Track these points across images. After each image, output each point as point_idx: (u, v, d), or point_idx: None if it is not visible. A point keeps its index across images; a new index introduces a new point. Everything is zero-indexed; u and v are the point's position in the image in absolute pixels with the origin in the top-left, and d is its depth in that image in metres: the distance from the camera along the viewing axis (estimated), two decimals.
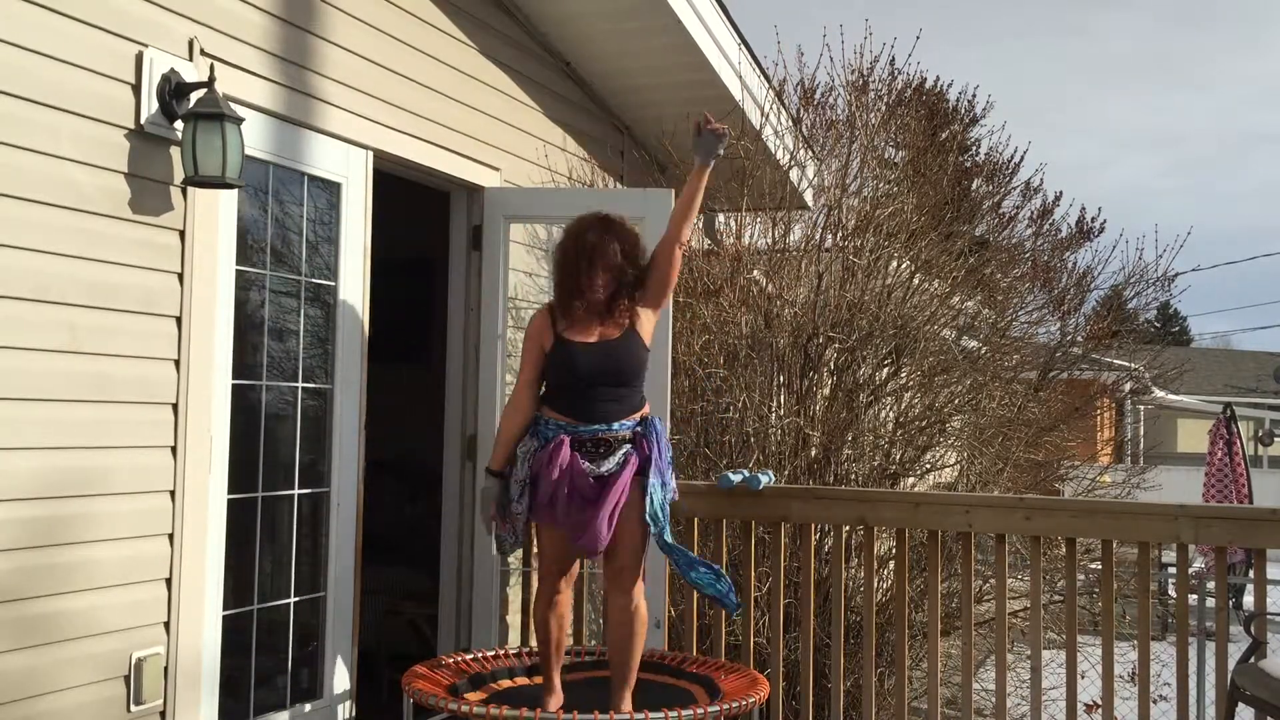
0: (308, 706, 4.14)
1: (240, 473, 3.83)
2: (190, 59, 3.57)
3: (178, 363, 3.55)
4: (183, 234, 3.57)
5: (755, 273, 5.92)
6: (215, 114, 3.40)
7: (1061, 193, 9.47)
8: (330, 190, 4.25)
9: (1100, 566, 4.31)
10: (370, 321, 4.40)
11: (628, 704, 3.82)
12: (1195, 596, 7.03)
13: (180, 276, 3.56)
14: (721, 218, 6.25)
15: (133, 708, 3.41)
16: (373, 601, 4.80)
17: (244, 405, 3.83)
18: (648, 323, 3.95)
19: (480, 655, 4.26)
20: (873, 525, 4.48)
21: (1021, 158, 10.19)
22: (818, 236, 6.00)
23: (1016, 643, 6.00)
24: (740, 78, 5.72)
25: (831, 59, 12.84)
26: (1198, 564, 8.17)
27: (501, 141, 5.10)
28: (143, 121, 3.41)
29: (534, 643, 4.85)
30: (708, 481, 4.75)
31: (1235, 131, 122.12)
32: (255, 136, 3.78)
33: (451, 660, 4.19)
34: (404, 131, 4.50)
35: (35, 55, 3.13)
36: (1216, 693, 4.06)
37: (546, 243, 5.16)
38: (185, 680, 3.57)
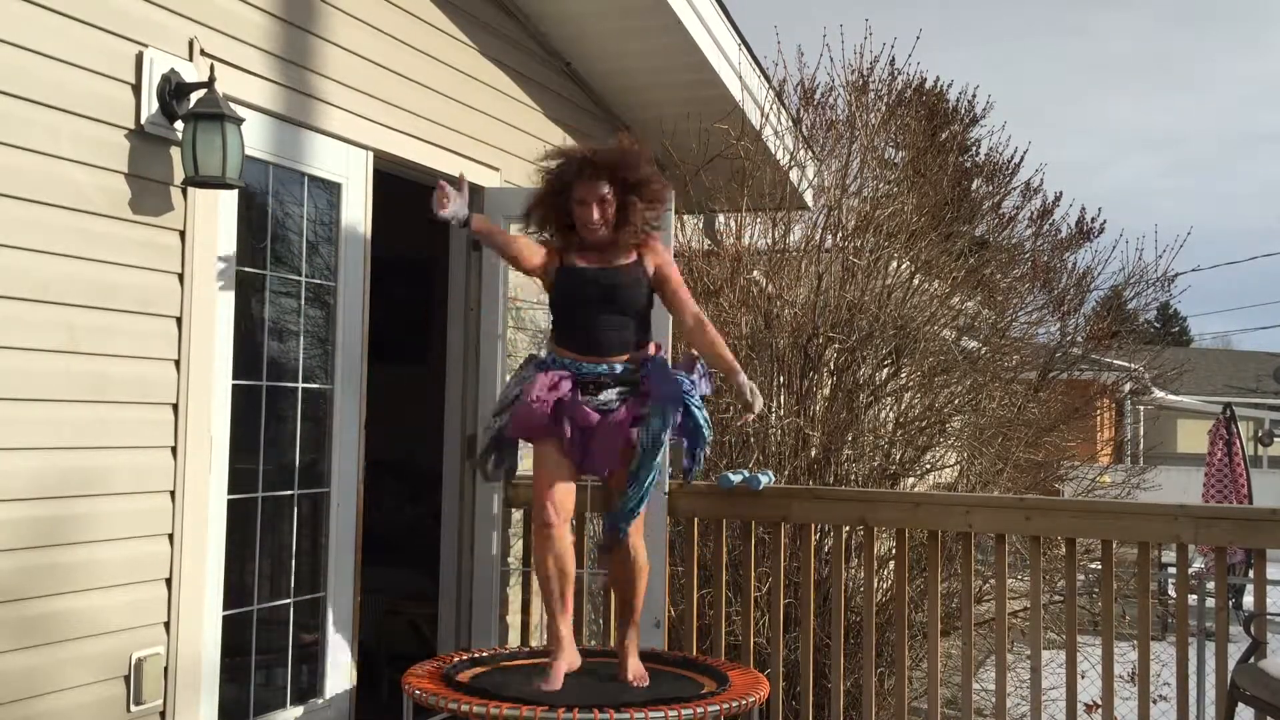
0: (308, 706, 4.14)
1: (240, 473, 3.83)
2: (190, 59, 3.57)
3: (178, 363, 3.55)
4: (183, 234, 3.57)
5: (755, 273, 5.92)
6: (215, 114, 3.40)
7: (1061, 193, 9.46)
8: (330, 190, 4.25)
9: (1100, 566, 4.31)
10: (370, 321, 4.40)
11: (633, 640, 3.88)
12: (1195, 596, 7.03)
13: (180, 276, 3.56)
14: (721, 218, 6.25)
15: (133, 708, 3.41)
16: (373, 601, 4.80)
17: (244, 405, 3.83)
18: (658, 265, 3.94)
19: (479, 654, 4.25)
20: (873, 525, 4.48)
21: (1021, 158, 10.19)
22: (818, 237, 6.00)
23: (1016, 643, 6.00)
24: (740, 78, 5.72)
25: (831, 59, 12.84)
26: (1198, 564, 8.17)
27: (501, 141, 5.10)
28: (143, 121, 3.41)
29: (535, 641, 4.86)
30: (708, 481, 4.75)
31: (1235, 131, 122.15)
32: (255, 136, 3.78)
33: (452, 659, 4.18)
34: (404, 131, 4.51)
35: (35, 55, 3.13)
36: (1216, 693, 4.07)
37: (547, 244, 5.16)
38: (185, 680, 3.56)
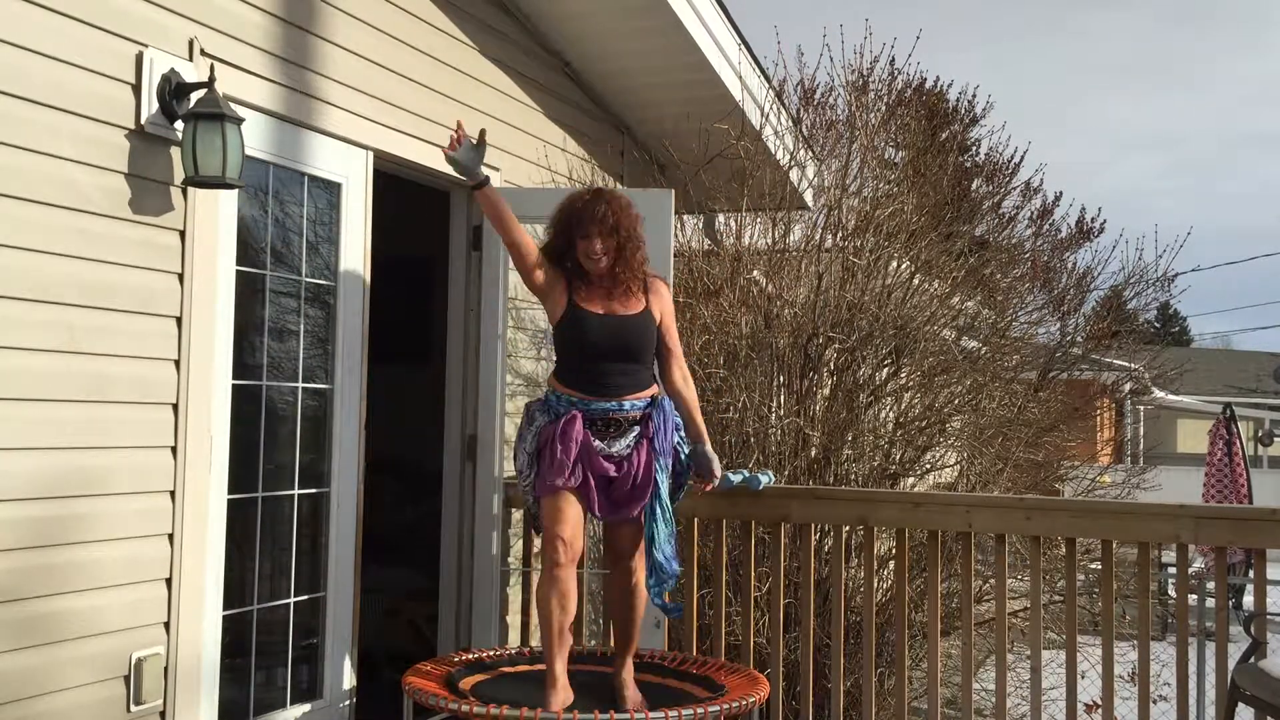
0: (308, 706, 4.14)
1: (240, 473, 3.83)
2: (190, 59, 3.57)
3: (178, 363, 3.55)
4: (183, 234, 3.57)
5: (755, 273, 5.92)
6: (215, 114, 3.40)
7: (1061, 193, 9.52)
8: (330, 190, 4.25)
9: (1100, 566, 4.31)
10: (370, 321, 4.40)
11: (629, 670, 3.84)
12: (1195, 596, 7.03)
13: (180, 276, 3.56)
14: (721, 218, 6.25)
15: (132, 708, 3.41)
16: (373, 601, 4.80)
17: (244, 405, 3.83)
18: (662, 313, 3.96)
19: (480, 654, 4.25)
20: (873, 525, 4.48)
21: (1021, 158, 10.21)
22: (818, 237, 6.00)
23: (1016, 643, 6.00)
24: (740, 78, 5.73)
25: (831, 59, 12.87)
26: (1198, 564, 8.17)
27: (501, 141, 5.09)
28: (143, 122, 3.41)
29: (535, 641, 4.86)
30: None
31: (1235, 131, 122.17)
32: (255, 136, 3.78)
33: (453, 660, 4.18)
34: (404, 131, 4.51)
35: (35, 55, 3.13)
36: (1216, 693, 4.06)
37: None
38: (185, 680, 3.57)
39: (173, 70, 3.49)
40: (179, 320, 3.55)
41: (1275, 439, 19.49)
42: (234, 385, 3.78)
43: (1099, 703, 4.25)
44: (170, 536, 3.53)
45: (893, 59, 7.35)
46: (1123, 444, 14.24)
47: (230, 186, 3.49)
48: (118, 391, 3.37)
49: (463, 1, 4.85)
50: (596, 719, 3.46)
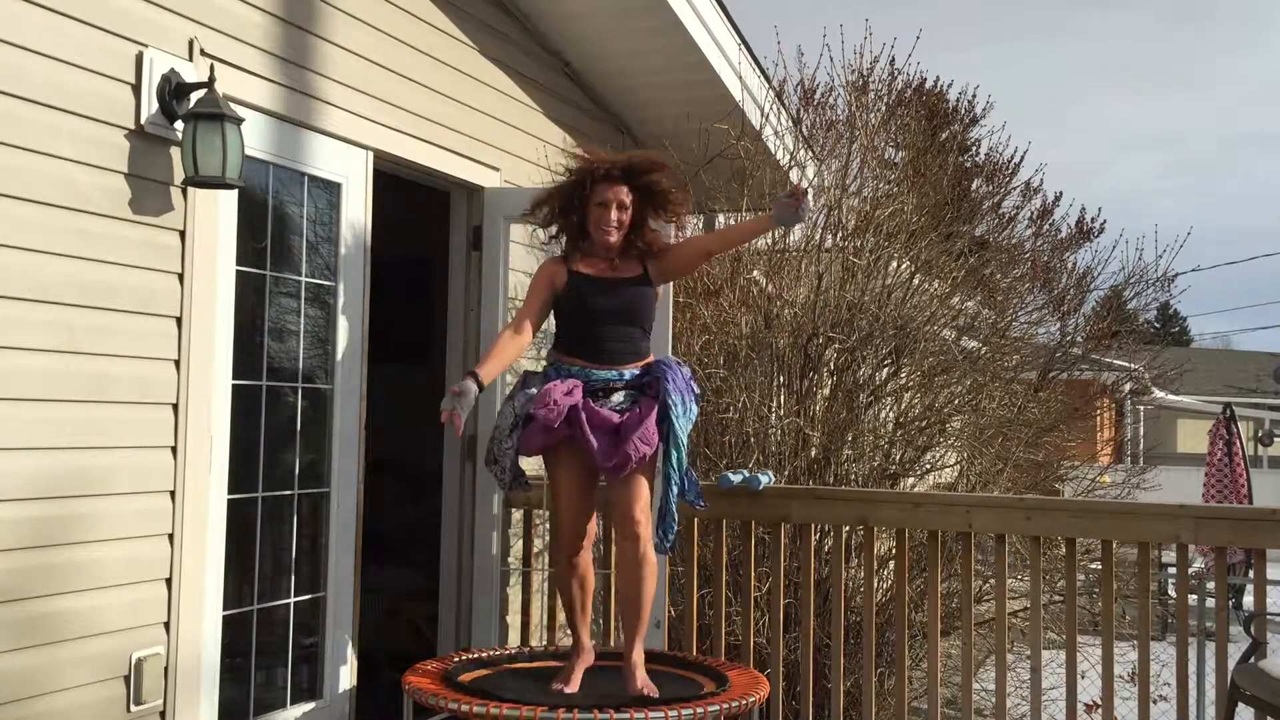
0: (308, 706, 4.14)
1: (240, 473, 3.83)
2: (190, 59, 3.57)
3: (178, 363, 3.55)
4: (183, 234, 3.57)
5: (755, 273, 5.92)
6: (215, 114, 3.40)
7: (1061, 193, 9.52)
8: (330, 190, 4.25)
9: (1100, 566, 4.31)
10: (370, 321, 4.40)
11: (640, 652, 3.84)
12: (1195, 596, 7.03)
13: (180, 277, 3.56)
14: (721, 218, 6.25)
15: (133, 708, 3.41)
16: (373, 601, 4.80)
17: (244, 405, 3.83)
18: (657, 281, 4.02)
19: (480, 654, 4.25)
20: (873, 525, 4.48)
21: (1021, 158, 10.21)
22: (818, 237, 6.00)
23: (1016, 643, 6.00)
24: (740, 78, 5.72)
25: (831, 59, 12.88)
26: (1198, 564, 8.17)
27: (501, 141, 5.10)
28: (143, 122, 3.41)
29: (535, 641, 4.86)
30: (708, 482, 4.74)
31: (1235, 131, 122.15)
32: (255, 136, 3.78)
33: (453, 659, 4.18)
34: (404, 131, 4.51)
35: (35, 55, 3.13)
36: (1216, 693, 4.06)
37: (546, 243, 5.16)
38: (185, 680, 3.57)
39: (173, 70, 3.49)
40: (179, 320, 3.55)
41: (1275, 439, 19.49)
42: (234, 385, 3.78)
43: (1099, 703, 4.25)
44: (170, 536, 3.53)
45: (893, 59, 7.36)
46: (1123, 444, 14.24)
47: (230, 186, 3.49)
48: (118, 391, 3.37)
49: (463, 1, 4.85)
50: (596, 719, 3.46)
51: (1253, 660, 3.88)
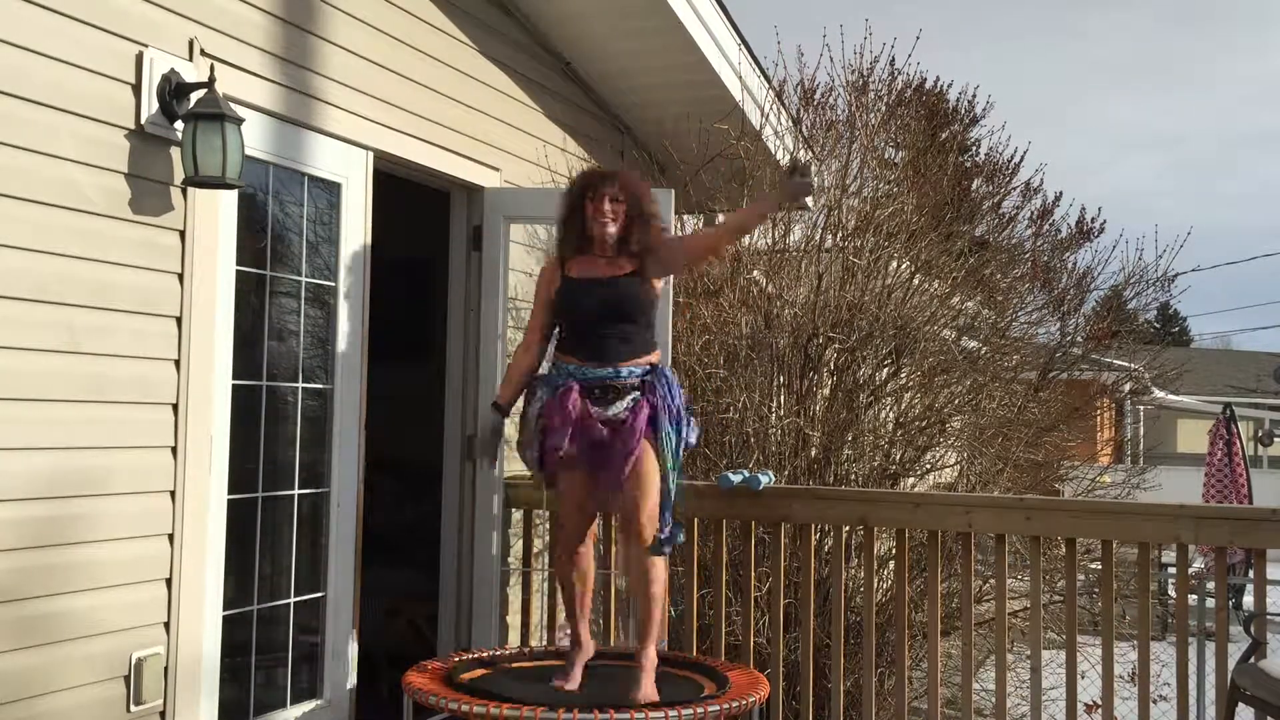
0: (308, 706, 4.14)
1: (240, 473, 3.83)
2: (190, 59, 3.57)
3: (178, 363, 3.55)
4: (183, 234, 3.57)
5: (755, 273, 5.92)
6: (215, 114, 3.40)
7: (1061, 193, 9.49)
8: (330, 190, 4.25)
9: (1100, 566, 4.31)
10: (370, 321, 4.40)
11: (651, 655, 3.83)
12: (1195, 596, 7.02)
13: (180, 277, 3.56)
14: (721, 218, 6.25)
15: (133, 708, 3.41)
16: (373, 601, 4.80)
17: (244, 405, 3.83)
18: (655, 280, 4.01)
19: (479, 654, 4.25)
20: (873, 525, 4.48)
21: (1021, 158, 10.19)
22: (818, 237, 6.00)
23: (1016, 643, 6.00)
24: (740, 78, 5.72)
25: (831, 59, 12.82)
26: (1198, 564, 8.16)
27: (501, 141, 5.10)
28: (143, 122, 3.41)
29: (535, 641, 4.86)
30: (708, 481, 4.75)
31: (1235, 131, 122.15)
32: (255, 136, 3.78)
33: (452, 659, 4.18)
34: (404, 131, 4.51)
35: (35, 55, 3.13)
36: (1216, 693, 4.06)
37: (546, 243, 5.17)
38: (185, 680, 3.57)
39: (173, 70, 3.49)
40: (179, 320, 3.55)
41: (1275, 439, 19.49)
42: (234, 385, 3.78)
43: (1099, 703, 4.25)
44: (170, 536, 3.53)
45: (893, 59, 7.35)
46: (1123, 444, 14.24)
47: (230, 186, 3.49)
48: (118, 391, 3.37)
49: (463, 2, 4.85)
50: (596, 718, 3.46)
51: (1253, 660, 3.88)
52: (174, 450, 3.54)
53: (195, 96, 3.47)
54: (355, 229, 4.33)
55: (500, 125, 5.10)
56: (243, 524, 3.88)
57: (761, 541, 4.90)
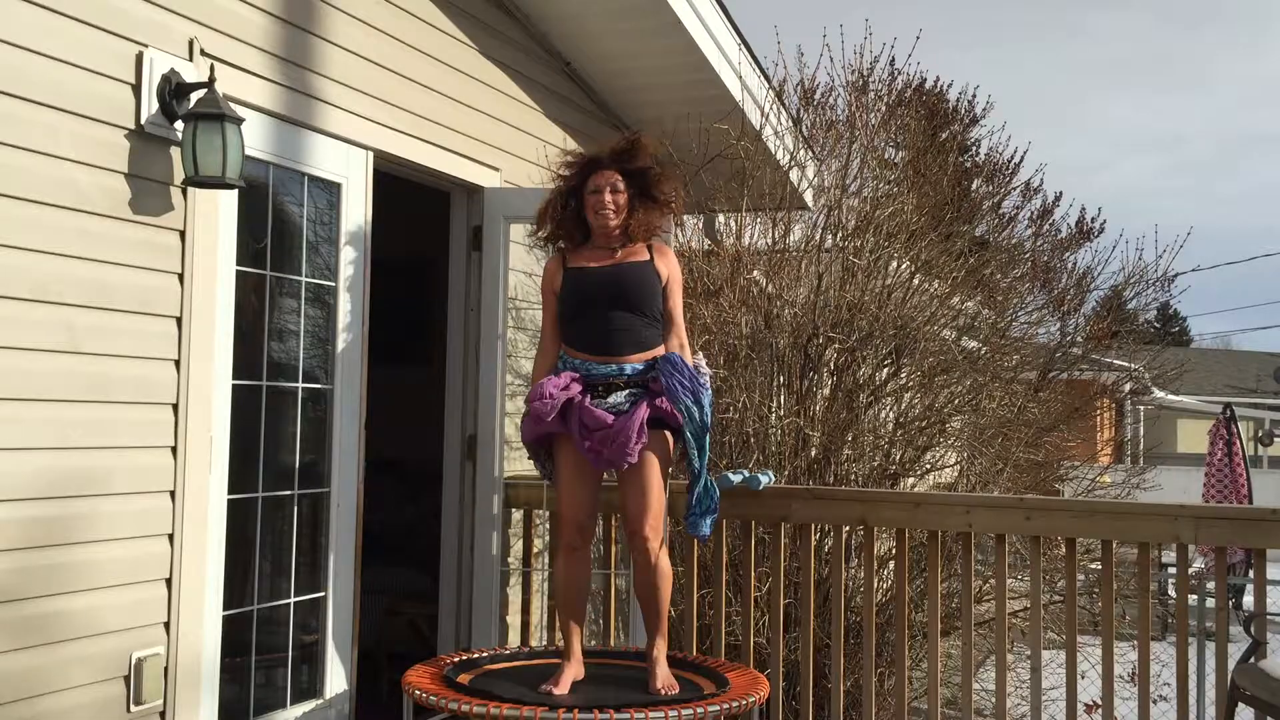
0: (308, 706, 4.14)
1: (240, 473, 3.83)
2: (190, 59, 3.57)
3: (178, 363, 3.55)
4: (183, 234, 3.57)
5: (755, 273, 5.92)
6: (215, 114, 3.40)
7: (1061, 193, 9.52)
8: (330, 190, 4.25)
9: (1100, 567, 4.31)
10: (370, 321, 4.40)
11: (661, 649, 3.85)
12: (1195, 596, 7.03)
13: (180, 277, 3.56)
14: (721, 218, 6.25)
15: (133, 708, 3.41)
16: (373, 601, 4.80)
17: (244, 405, 3.83)
18: (669, 277, 3.97)
19: (479, 654, 4.25)
20: (873, 525, 4.48)
21: (1021, 158, 10.21)
22: (818, 237, 6.00)
23: (1016, 643, 6.00)
24: (740, 78, 5.73)
25: (831, 59, 12.85)
26: (1198, 564, 8.16)
27: (501, 141, 5.10)
28: (143, 122, 3.41)
29: (535, 640, 4.86)
30: None
31: (1235, 131, 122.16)
32: (255, 137, 3.78)
33: (452, 659, 4.18)
34: (404, 131, 4.51)
35: (35, 55, 3.13)
36: (1216, 693, 4.06)
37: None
38: (185, 680, 3.57)
39: (173, 70, 3.49)
40: (179, 320, 3.55)
41: (1275, 439, 19.50)
42: (234, 385, 3.78)
43: (1099, 703, 4.25)
44: (170, 536, 3.53)
45: (893, 59, 7.38)
46: (1123, 444, 14.24)
47: (230, 186, 3.49)
48: (118, 392, 3.37)
49: (463, 2, 4.85)
50: (595, 718, 3.46)
51: (1253, 660, 3.88)
52: (174, 450, 3.54)
53: (195, 96, 3.47)
54: (355, 229, 4.33)
55: (500, 125, 5.10)
56: (243, 524, 3.88)
57: (761, 541, 4.90)
